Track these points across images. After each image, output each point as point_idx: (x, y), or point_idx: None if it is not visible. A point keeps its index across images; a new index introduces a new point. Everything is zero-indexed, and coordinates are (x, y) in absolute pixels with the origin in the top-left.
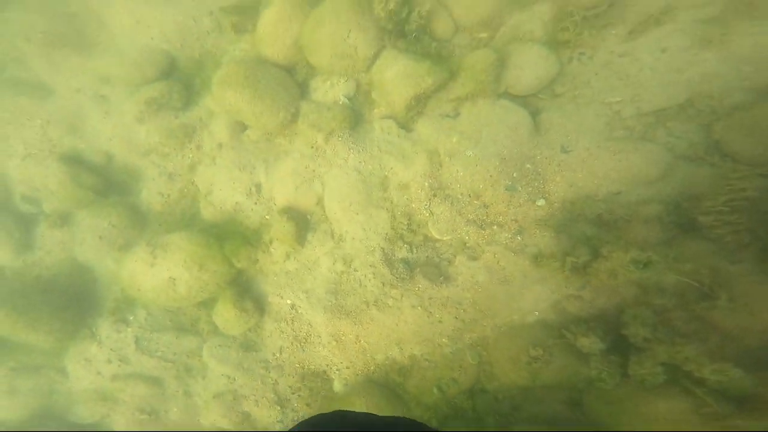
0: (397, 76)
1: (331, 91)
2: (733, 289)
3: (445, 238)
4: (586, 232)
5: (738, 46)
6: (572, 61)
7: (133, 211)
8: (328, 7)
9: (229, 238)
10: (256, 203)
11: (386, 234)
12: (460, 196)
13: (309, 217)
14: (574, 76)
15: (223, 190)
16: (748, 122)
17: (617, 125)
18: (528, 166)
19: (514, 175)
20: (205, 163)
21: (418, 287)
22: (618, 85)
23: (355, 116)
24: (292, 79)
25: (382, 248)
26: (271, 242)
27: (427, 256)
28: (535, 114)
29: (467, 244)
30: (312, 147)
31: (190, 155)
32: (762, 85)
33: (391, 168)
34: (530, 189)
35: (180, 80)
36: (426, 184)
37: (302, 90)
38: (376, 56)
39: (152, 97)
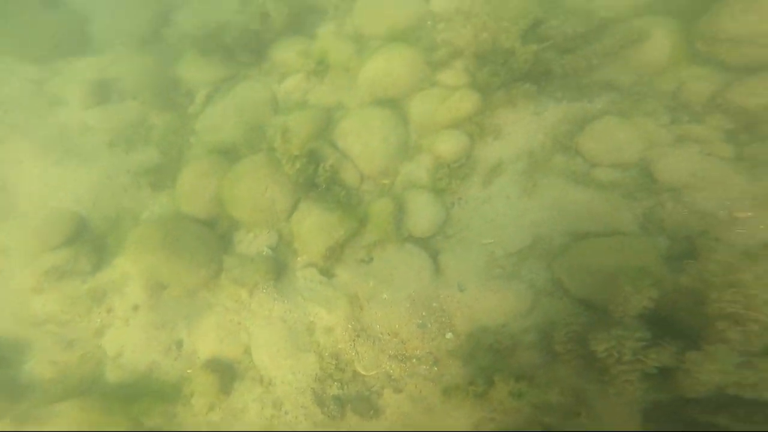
0: (313, 227)
1: (254, 242)
2: (591, 406)
3: (371, 374)
4: (483, 362)
5: (543, 195)
6: (454, 206)
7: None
8: (246, 164)
9: (139, 398)
10: (176, 359)
11: (316, 374)
12: (381, 335)
13: (236, 365)
14: (458, 219)
15: (137, 351)
16: (569, 263)
17: (493, 264)
18: (434, 304)
19: (424, 313)
20: (116, 326)
21: (350, 423)
22: (487, 228)
23: (278, 266)
24: (214, 233)
25: (313, 388)
26: (192, 395)
27: (358, 391)
28: (435, 255)
29: (392, 377)
30: (236, 301)
31: (98, 320)
32: (569, 228)
33: (316, 314)
34: (438, 325)
35: (90, 242)
36: (349, 326)
37: (225, 243)
38: (293, 208)
39: (54, 265)
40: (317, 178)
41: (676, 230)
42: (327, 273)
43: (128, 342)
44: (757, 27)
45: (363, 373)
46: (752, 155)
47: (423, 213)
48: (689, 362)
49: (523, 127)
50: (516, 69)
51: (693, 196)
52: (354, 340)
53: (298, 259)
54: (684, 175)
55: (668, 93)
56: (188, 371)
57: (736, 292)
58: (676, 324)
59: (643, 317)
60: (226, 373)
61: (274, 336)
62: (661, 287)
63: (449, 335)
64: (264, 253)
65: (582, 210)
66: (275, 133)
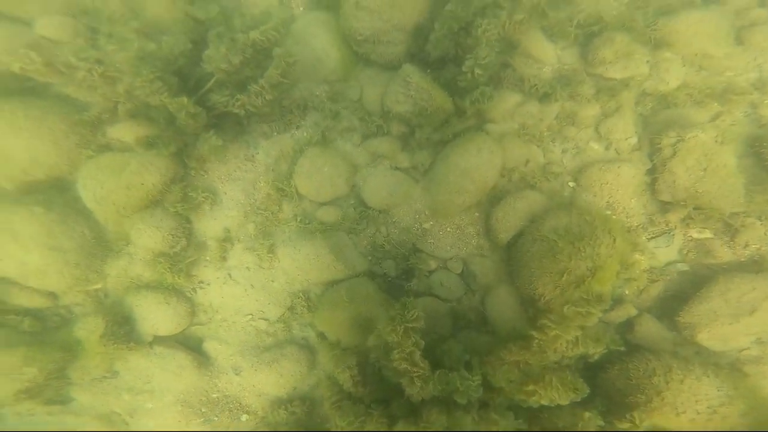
0: None
1: None
2: None
3: None
4: (288, 428)
5: (284, 254)
6: (197, 291)
7: None
8: None
9: None
10: None
11: None
12: None
13: None
14: (208, 304)
15: None
16: (325, 315)
17: (262, 335)
18: (214, 395)
19: (204, 409)
20: None
21: None
22: (242, 303)
23: None
24: None
25: None
26: None
27: None
28: (198, 346)
29: None
30: None
31: None
32: (320, 278)
33: None
34: (228, 412)
35: None
36: None
37: None
38: None
39: None
40: None
41: (396, 252)
42: (58, 401)
43: None
44: None
45: None
46: (420, 162)
47: (159, 311)
48: None
49: (240, 179)
50: (184, 126)
51: (397, 214)
52: None
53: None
54: (385, 195)
55: (356, 102)
56: None
57: None
58: None
59: None
60: None
61: None
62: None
63: (244, 417)
64: None
65: (321, 258)
66: None
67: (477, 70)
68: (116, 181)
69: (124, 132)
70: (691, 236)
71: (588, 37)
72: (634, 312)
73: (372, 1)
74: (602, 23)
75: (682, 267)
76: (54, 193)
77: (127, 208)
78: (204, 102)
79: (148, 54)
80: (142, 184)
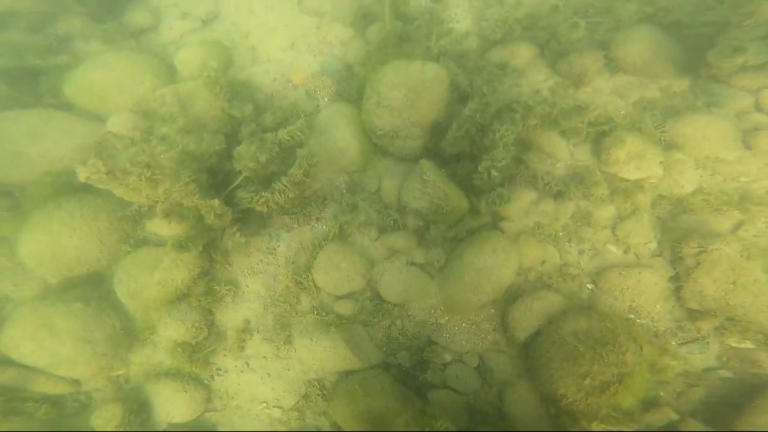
0: None
1: None
2: None
3: None
4: None
5: (300, 345)
6: (214, 378)
7: None
8: None
9: None
10: None
11: None
12: None
13: None
14: (224, 390)
15: None
16: (340, 406)
17: (275, 424)
18: None
19: None
20: None
21: None
22: (258, 392)
23: None
24: None
25: None
26: None
27: None
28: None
29: None
30: None
31: None
32: (335, 368)
33: None
34: None
35: None
36: None
37: None
38: None
39: None
40: None
41: (410, 344)
42: None
43: None
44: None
45: None
46: (436, 258)
47: (177, 398)
48: None
49: (261, 272)
50: (211, 224)
51: (412, 308)
52: None
53: None
54: (400, 290)
55: (374, 194)
56: None
57: None
58: None
59: None
60: None
61: None
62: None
63: None
64: None
65: (337, 349)
66: None
67: (493, 172)
68: (149, 276)
69: (160, 227)
70: (729, 344)
71: (599, 135)
72: (674, 416)
73: (392, 100)
74: (612, 123)
75: (725, 374)
76: (90, 288)
77: (156, 302)
78: (231, 198)
79: (189, 153)
80: (172, 280)
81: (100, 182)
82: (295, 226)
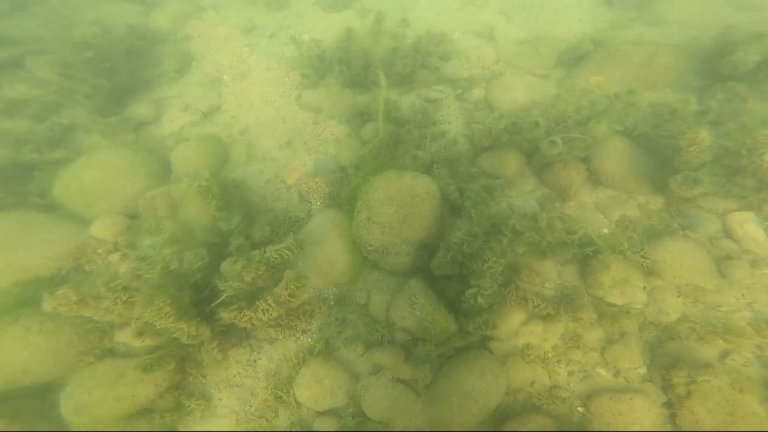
0: None
1: None
2: None
3: None
4: None
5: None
6: None
7: None
8: None
9: None
10: None
11: None
12: None
13: None
14: None
15: None
16: None
17: None
18: None
19: None
20: None
21: None
22: None
23: None
24: None
25: None
26: None
27: None
28: None
29: None
30: None
31: None
32: None
33: None
34: None
35: None
36: None
37: None
38: None
39: None
40: None
41: None
42: None
43: None
44: None
45: None
46: (422, 376)
47: None
48: None
49: (238, 386)
50: (187, 342)
51: (397, 426)
52: None
53: None
54: (385, 407)
55: (363, 306)
56: None
57: None
58: None
59: None
60: None
61: None
62: None
63: None
64: None
65: None
66: None
67: (480, 300)
68: (107, 391)
69: (132, 339)
70: None
71: (585, 258)
72: None
73: (383, 216)
74: (595, 245)
75: None
76: (30, 401)
77: (107, 419)
78: (213, 314)
79: (170, 273)
80: (134, 396)
81: (69, 312)
82: (280, 338)
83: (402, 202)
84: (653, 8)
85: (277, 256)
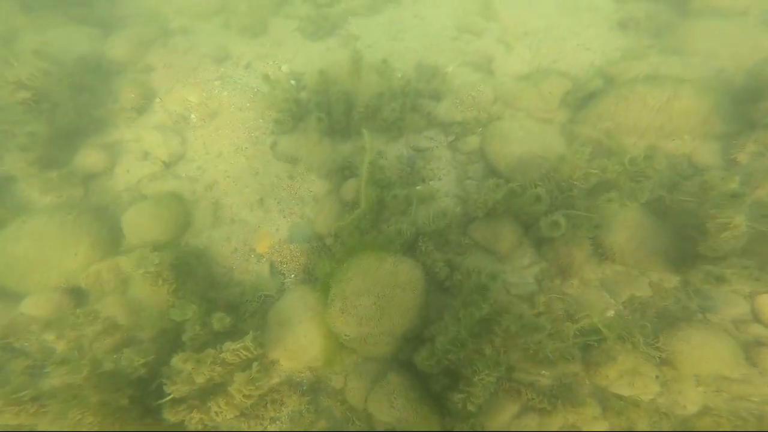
0: None
1: None
2: None
3: None
4: None
5: None
6: None
7: None
8: None
9: None
10: None
11: None
12: None
13: None
14: None
15: None
16: None
17: None
18: None
19: None
20: None
21: None
22: None
23: None
24: None
25: None
26: None
27: None
28: None
29: None
30: None
31: None
32: None
33: None
34: None
35: None
36: None
37: None
38: None
39: None
40: None
41: None
42: None
43: None
44: None
45: None
46: None
47: None
48: None
49: None
50: None
51: None
52: None
53: None
54: None
55: (339, 392)
56: None
57: None
58: None
59: None
60: None
61: None
62: None
63: None
64: None
65: None
66: None
67: (469, 407)
68: None
69: None
70: None
71: (588, 346)
72: None
73: (360, 309)
74: (600, 335)
75: None
76: None
77: None
78: (159, 412)
79: (102, 374)
80: None
81: None
82: (244, 428)
83: (381, 293)
84: (675, 34)
85: (234, 357)
